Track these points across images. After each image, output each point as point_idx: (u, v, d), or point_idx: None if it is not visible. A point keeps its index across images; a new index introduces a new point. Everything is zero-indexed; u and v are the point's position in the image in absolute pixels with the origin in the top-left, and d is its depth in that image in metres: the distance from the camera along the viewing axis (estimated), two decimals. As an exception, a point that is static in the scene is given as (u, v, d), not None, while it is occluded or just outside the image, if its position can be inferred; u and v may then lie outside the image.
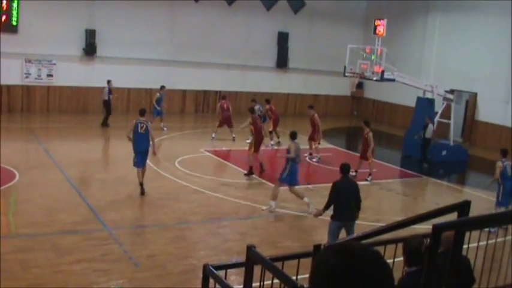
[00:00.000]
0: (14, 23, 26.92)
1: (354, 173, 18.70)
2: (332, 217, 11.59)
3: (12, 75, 27.24)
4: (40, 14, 27.09)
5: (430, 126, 23.72)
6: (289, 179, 15.38)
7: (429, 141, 23.64)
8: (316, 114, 22.51)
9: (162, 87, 26.96)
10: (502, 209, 14.80)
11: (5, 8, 26.61)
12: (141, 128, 16.00)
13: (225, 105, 25.04)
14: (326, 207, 11.82)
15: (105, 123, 26.23)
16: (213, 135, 24.85)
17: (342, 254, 2.06)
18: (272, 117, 24.72)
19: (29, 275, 10.06)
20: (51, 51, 27.87)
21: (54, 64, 28.40)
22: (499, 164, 15.30)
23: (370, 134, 19.75)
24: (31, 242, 11.76)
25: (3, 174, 16.52)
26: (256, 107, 24.46)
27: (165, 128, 26.19)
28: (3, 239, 11.81)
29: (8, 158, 18.09)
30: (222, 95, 27.41)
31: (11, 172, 16.87)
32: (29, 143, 22.12)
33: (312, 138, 22.47)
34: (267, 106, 24.99)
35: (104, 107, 26.73)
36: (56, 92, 28.59)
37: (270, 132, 24.04)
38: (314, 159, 21.94)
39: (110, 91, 26.53)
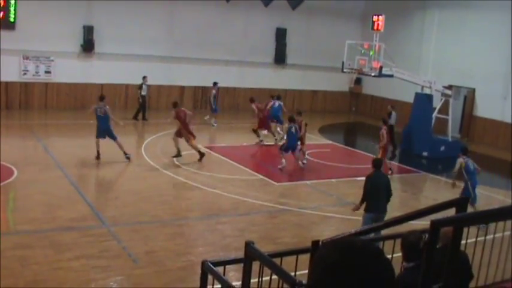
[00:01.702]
0: (12, 19, 26.87)
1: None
2: (366, 210, 11.94)
3: (10, 72, 27.20)
4: (38, 11, 27.04)
5: (393, 113, 24.32)
6: None
7: (392, 128, 23.89)
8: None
9: (215, 83, 27.92)
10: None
11: (2, 5, 26.58)
12: (100, 111, 18.86)
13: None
14: (362, 201, 12.14)
15: (144, 118, 27.54)
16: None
17: (342, 249, 2.05)
18: (260, 115, 24.13)
19: (28, 272, 10.08)
20: (49, 47, 27.84)
21: (52, 61, 28.36)
22: (461, 160, 15.21)
23: (383, 131, 19.86)
24: (30, 239, 11.77)
25: (2, 171, 16.52)
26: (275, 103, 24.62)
27: (215, 124, 27.10)
28: (2, 235, 11.82)
29: (7, 155, 18.07)
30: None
31: (10, 169, 16.86)
32: (27, 139, 22.10)
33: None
34: (253, 105, 24.47)
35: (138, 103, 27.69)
36: (54, 89, 28.56)
37: (255, 131, 23.93)
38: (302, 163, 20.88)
39: (141, 86, 27.50)
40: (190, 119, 20.32)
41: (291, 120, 20.26)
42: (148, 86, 27.93)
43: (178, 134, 19.70)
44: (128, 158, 18.90)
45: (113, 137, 18.87)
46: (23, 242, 11.53)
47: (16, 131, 23.68)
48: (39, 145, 20.89)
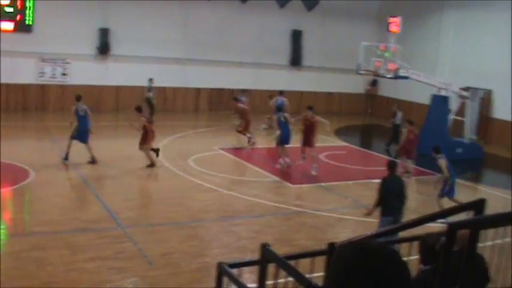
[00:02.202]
0: (29, 22, 27.08)
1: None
2: (382, 214, 11.67)
3: (27, 74, 27.45)
4: (54, 14, 27.23)
5: (399, 113, 24.98)
6: None
7: (398, 127, 24.47)
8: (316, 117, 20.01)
9: (245, 90, 28.52)
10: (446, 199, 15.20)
11: (19, 8, 26.78)
12: (82, 111, 18.89)
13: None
14: (377, 205, 11.88)
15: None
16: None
17: (358, 251, 2.04)
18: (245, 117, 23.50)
19: (44, 273, 10.11)
20: (65, 50, 28.04)
21: (69, 63, 28.56)
22: (443, 160, 15.60)
23: (404, 130, 20.69)
24: (45, 240, 11.81)
25: (18, 172, 16.64)
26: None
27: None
28: (18, 237, 11.90)
29: (23, 157, 18.21)
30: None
31: (26, 170, 16.96)
32: (44, 141, 22.21)
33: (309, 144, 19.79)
34: (239, 105, 24.13)
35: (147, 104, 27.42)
36: (71, 91, 28.68)
37: (240, 131, 23.45)
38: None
39: (150, 89, 27.50)
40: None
41: (279, 109, 20.35)
42: (155, 88, 27.95)
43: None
44: (92, 162, 18.55)
45: (86, 140, 18.72)
46: (39, 244, 11.57)
47: (32, 133, 23.82)
48: (55, 147, 20.97)
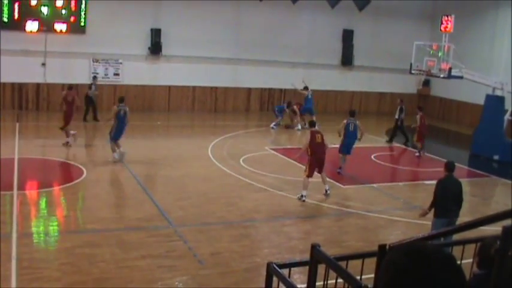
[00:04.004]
0: (82, 23, 27.53)
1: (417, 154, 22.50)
2: (435, 215, 11.42)
3: (81, 74, 27.89)
4: (107, 15, 27.64)
5: (404, 108, 25.74)
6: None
7: (402, 122, 25.56)
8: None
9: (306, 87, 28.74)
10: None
11: (73, 10, 27.24)
12: None
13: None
14: (432, 205, 11.59)
15: (96, 119, 26.20)
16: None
17: (412, 254, 1.99)
18: (65, 108, 20.83)
19: (96, 269, 10.24)
20: (117, 50, 28.42)
21: (121, 63, 28.93)
22: (344, 121, 18.62)
23: (417, 116, 22.89)
24: (98, 237, 11.98)
25: (72, 171, 16.93)
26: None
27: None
28: (71, 234, 12.10)
29: (76, 155, 18.48)
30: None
31: (79, 169, 17.24)
32: (96, 140, 22.51)
33: None
34: (63, 92, 21.91)
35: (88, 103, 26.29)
36: (123, 91, 28.98)
37: (62, 129, 20.79)
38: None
39: (90, 86, 26.37)
40: None
41: (121, 100, 18.82)
42: (97, 86, 26.88)
43: None
44: None
45: None
46: (91, 241, 11.74)
47: (86, 132, 24.16)
48: (107, 146, 21.24)
